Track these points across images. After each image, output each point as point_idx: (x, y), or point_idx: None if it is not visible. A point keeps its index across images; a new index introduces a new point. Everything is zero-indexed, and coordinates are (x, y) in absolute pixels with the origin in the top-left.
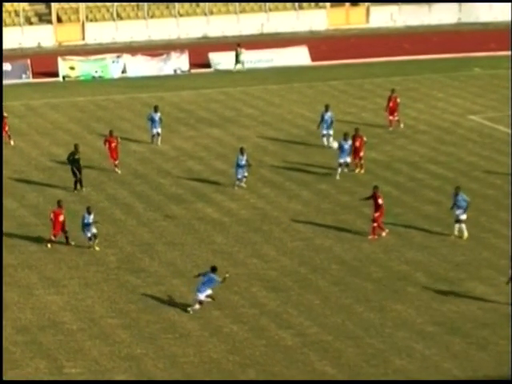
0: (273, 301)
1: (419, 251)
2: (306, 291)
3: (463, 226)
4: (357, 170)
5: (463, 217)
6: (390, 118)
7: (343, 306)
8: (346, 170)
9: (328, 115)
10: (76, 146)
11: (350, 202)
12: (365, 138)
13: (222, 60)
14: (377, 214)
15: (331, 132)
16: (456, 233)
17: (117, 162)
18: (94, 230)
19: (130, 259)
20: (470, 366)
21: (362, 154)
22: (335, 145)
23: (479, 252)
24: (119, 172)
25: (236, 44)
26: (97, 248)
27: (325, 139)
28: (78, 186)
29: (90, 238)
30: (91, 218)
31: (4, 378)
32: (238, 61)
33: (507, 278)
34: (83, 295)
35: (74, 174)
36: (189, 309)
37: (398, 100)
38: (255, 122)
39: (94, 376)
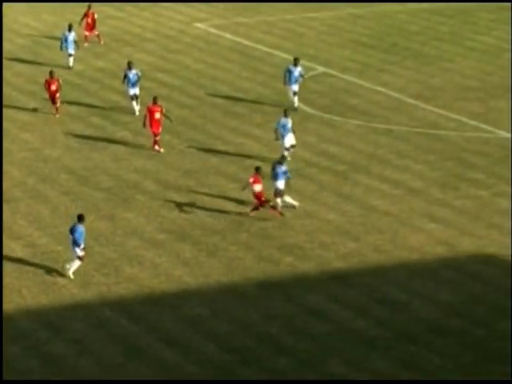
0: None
1: (148, 159)
2: (35, 202)
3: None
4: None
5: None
6: (87, 33)
7: (73, 216)
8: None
9: (72, 35)
10: None
11: (77, 112)
12: (60, 81)
13: None
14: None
15: (72, 52)
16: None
17: None
18: None
19: None
20: (200, 273)
21: (58, 95)
22: None
23: (207, 159)
24: None
25: None
26: None
27: (71, 59)
28: None
29: None
30: None
31: None
32: None
33: (239, 184)
34: None
35: None
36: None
37: (96, 16)
38: None
39: None
